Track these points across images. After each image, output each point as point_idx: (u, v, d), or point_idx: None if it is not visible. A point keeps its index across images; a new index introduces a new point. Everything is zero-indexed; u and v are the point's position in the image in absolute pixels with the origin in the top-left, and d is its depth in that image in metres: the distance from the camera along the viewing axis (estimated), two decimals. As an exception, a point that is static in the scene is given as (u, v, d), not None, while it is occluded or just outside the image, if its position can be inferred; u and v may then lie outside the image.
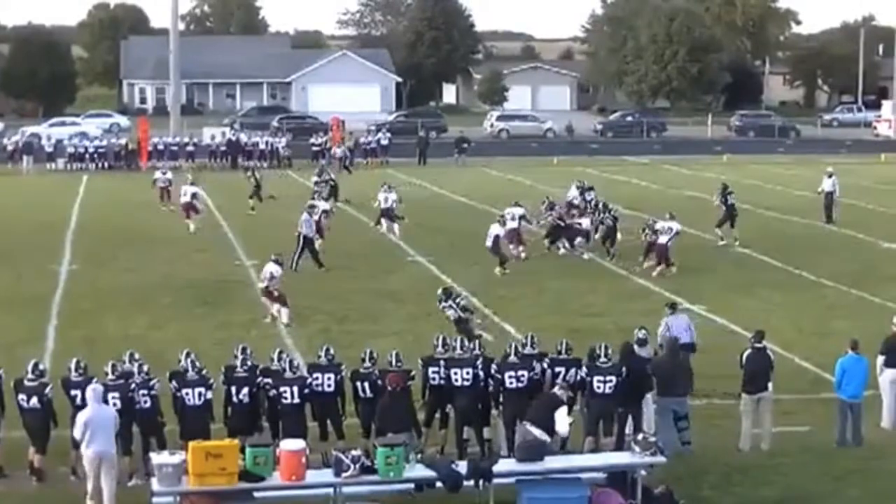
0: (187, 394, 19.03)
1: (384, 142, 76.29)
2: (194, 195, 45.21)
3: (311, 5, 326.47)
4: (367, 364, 19.91)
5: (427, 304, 31.18)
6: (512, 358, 20.24)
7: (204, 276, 35.86)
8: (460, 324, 25.93)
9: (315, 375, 19.77)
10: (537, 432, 18.51)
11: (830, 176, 48.17)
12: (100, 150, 71.90)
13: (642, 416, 20.44)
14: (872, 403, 21.86)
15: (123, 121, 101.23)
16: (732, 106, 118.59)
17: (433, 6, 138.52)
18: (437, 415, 20.51)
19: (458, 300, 27.14)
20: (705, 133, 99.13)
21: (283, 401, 19.25)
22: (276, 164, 71.43)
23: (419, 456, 17.79)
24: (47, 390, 19.06)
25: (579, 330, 27.47)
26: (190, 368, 19.31)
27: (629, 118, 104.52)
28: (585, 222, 39.62)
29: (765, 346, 21.21)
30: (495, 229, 36.43)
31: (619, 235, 38.98)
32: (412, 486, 17.65)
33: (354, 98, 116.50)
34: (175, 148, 73.55)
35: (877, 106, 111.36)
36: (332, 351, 20.16)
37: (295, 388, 19.26)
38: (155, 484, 16.44)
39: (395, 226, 42.92)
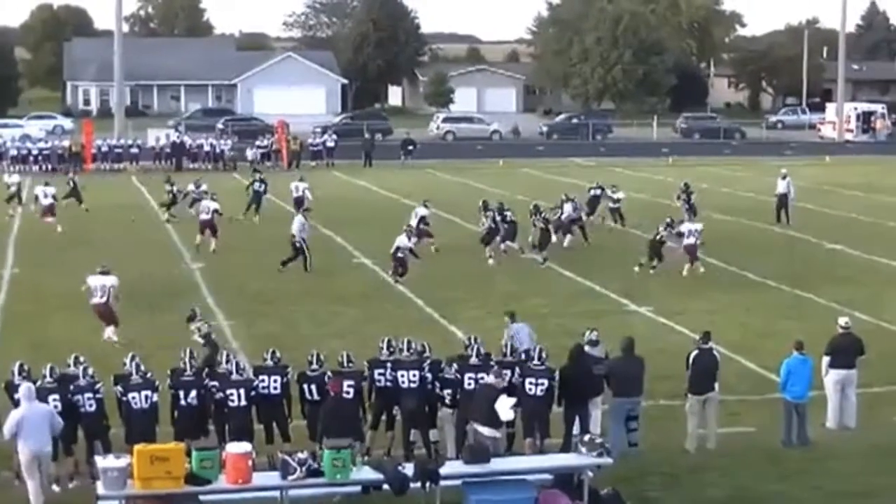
0: (133, 397, 18.90)
1: (330, 144, 76.22)
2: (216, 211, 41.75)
3: (257, 7, 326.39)
4: (314, 366, 19.84)
5: (373, 307, 31.17)
6: (473, 360, 20.22)
7: (148, 279, 35.62)
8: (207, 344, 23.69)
9: (261, 378, 19.70)
10: (486, 431, 18.52)
11: (784, 178, 48.49)
12: (44, 153, 71.39)
13: (589, 416, 20.46)
14: (818, 404, 21.98)
15: (67, 123, 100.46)
16: (678, 108, 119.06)
17: (378, 8, 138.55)
18: (384, 417, 20.47)
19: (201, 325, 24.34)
20: (651, 135, 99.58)
21: (230, 403, 19.16)
22: (222, 167, 71.18)
23: (366, 458, 17.76)
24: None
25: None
26: (135, 371, 19.20)
27: (575, 120, 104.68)
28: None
29: (711, 347, 21.29)
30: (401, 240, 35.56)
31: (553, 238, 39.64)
32: (359, 488, 17.64)
33: (300, 100, 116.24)
34: (119, 150, 73.19)
35: (821, 108, 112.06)
36: (277, 353, 20.10)
37: (242, 391, 19.18)
38: (100, 488, 16.28)
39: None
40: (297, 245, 36.99)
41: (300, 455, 16.81)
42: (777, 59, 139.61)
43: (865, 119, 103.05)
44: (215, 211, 41.20)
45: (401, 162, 74.47)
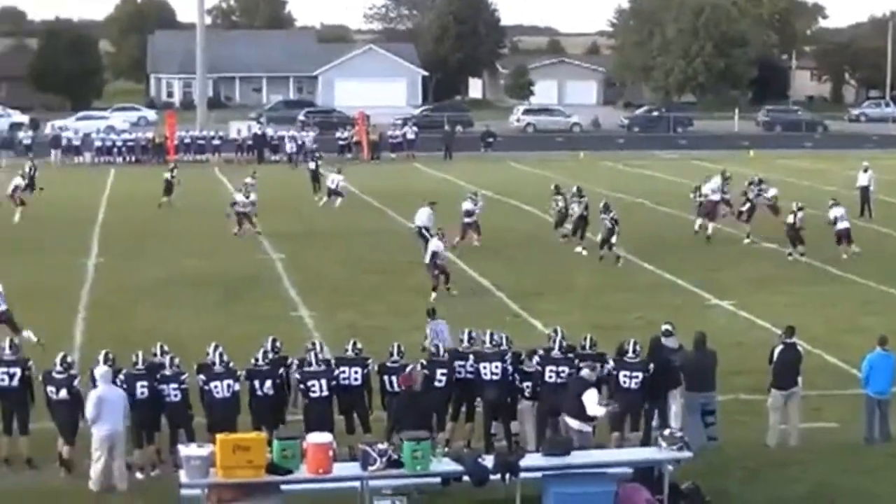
0: (215, 386, 19.11)
1: (411, 136, 76.42)
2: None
3: (337, 0, 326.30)
4: (395, 358, 19.93)
5: (451, 299, 31.23)
6: (555, 353, 20.19)
7: (231, 270, 35.90)
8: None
9: (342, 368, 19.83)
10: (575, 424, 18.56)
11: (866, 170, 48.02)
12: (128, 144, 72.29)
13: (669, 410, 20.40)
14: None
15: (151, 114, 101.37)
16: (759, 101, 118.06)
17: (459, 1, 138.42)
18: (464, 409, 20.52)
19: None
20: (732, 128, 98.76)
21: (311, 394, 19.30)
22: (302, 159, 71.42)
23: (446, 450, 17.82)
24: (75, 382, 19.20)
25: (603, 326, 27.47)
26: (217, 361, 19.38)
27: (655, 113, 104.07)
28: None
29: (795, 342, 21.17)
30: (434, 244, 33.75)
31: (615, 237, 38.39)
32: (439, 479, 17.70)
33: (380, 92, 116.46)
34: (202, 142, 73.78)
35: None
36: (358, 344, 20.21)
37: (323, 381, 19.32)
38: (183, 476, 16.48)
39: (339, 200, 49.14)
40: (424, 236, 36.94)
41: (380, 446, 16.89)
42: (860, 51, 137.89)
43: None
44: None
45: (481, 154, 74.35)
